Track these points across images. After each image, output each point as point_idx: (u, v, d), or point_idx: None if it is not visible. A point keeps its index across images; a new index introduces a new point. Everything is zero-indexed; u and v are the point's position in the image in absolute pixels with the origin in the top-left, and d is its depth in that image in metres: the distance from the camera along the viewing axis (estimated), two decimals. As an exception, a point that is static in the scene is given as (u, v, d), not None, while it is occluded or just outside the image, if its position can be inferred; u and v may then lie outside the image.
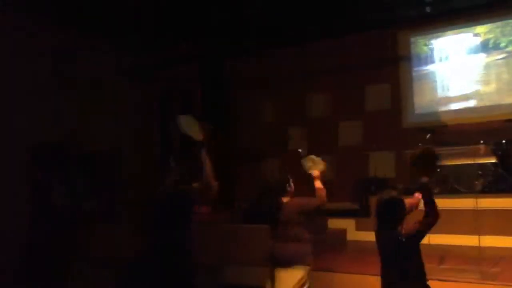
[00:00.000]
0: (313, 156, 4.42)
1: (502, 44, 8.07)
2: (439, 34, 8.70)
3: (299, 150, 4.68)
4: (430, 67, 8.69)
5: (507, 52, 8.02)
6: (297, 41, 9.00)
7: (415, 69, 8.77)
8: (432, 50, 8.74)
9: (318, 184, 4.21)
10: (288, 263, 4.05)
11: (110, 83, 6.71)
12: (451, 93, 8.47)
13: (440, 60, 8.64)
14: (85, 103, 6.51)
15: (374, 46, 8.56)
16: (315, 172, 4.25)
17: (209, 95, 9.41)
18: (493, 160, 6.95)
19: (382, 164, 8.46)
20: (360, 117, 9.02)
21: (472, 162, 6.95)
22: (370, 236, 4.89)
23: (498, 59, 8.10)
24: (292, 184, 4.34)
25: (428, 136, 7.46)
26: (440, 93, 8.58)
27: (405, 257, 3.27)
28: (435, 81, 8.62)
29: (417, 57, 8.81)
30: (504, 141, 7.13)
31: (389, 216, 3.35)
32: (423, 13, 8.33)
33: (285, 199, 4.27)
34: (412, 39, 8.88)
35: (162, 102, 9.07)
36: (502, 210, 6.34)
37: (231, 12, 7.92)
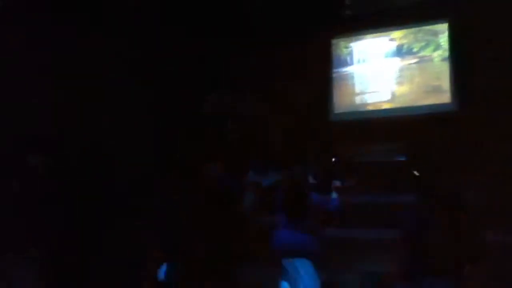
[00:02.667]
0: None
1: (415, 49, 8.56)
2: (359, 37, 9.08)
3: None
4: (349, 69, 9.07)
5: (419, 57, 8.53)
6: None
7: (335, 70, 9.13)
8: (351, 52, 9.13)
9: None
10: (298, 253, 4.04)
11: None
12: (369, 94, 8.88)
13: (359, 62, 9.04)
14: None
15: (297, 48, 8.73)
16: None
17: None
18: (404, 159, 7.41)
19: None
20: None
21: (386, 160, 7.39)
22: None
23: (412, 63, 8.59)
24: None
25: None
26: (358, 93, 8.98)
27: None
28: (354, 82, 9.00)
29: (337, 59, 9.16)
30: (415, 141, 7.59)
31: None
32: (344, 17, 8.73)
33: None
34: (333, 41, 9.22)
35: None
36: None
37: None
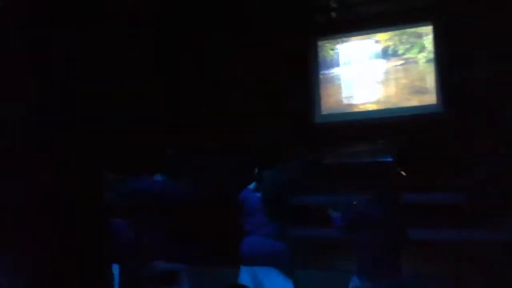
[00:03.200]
0: None
1: (400, 51, 8.66)
2: (344, 39, 9.16)
3: None
4: (335, 71, 9.12)
5: (404, 59, 8.63)
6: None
7: (322, 72, 9.17)
8: (337, 54, 9.18)
9: None
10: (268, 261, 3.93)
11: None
12: (355, 95, 8.93)
13: (345, 64, 9.10)
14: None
15: (284, 49, 8.75)
16: None
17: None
18: (390, 159, 7.51)
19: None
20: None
21: (372, 160, 7.49)
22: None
23: (397, 65, 8.68)
24: None
25: None
26: (345, 95, 9.04)
27: None
28: (340, 84, 9.06)
29: (324, 60, 9.22)
30: (400, 141, 7.69)
31: None
32: (329, 19, 8.82)
33: None
34: (319, 43, 9.28)
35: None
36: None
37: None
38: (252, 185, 4.34)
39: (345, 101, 9.01)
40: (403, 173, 7.53)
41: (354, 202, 3.67)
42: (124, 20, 6.35)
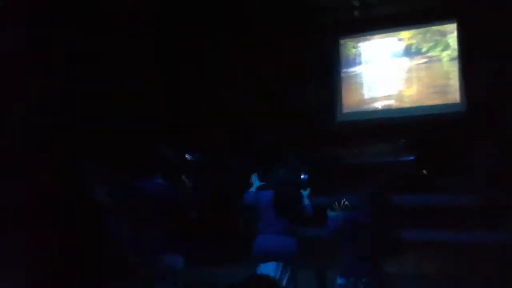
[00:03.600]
0: None
1: (423, 50, 8.54)
2: (367, 37, 9.06)
3: None
4: (357, 69, 9.05)
5: (427, 57, 8.50)
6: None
7: (344, 70, 9.11)
8: (360, 52, 9.10)
9: None
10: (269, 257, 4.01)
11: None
12: (377, 94, 8.85)
13: (367, 62, 9.01)
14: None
15: (305, 47, 8.69)
16: None
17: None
18: (411, 158, 7.41)
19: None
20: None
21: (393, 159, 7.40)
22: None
23: (420, 64, 8.57)
24: None
25: None
26: (367, 93, 8.96)
27: None
28: (362, 82, 8.99)
29: (346, 58, 9.14)
30: (422, 140, 7.57)
31: None
32: (351, 17, 8.73)
33: None
34: (342, 42, 9.20)
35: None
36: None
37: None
38: (253, 188, 4.38)
39: (367, 100, 8.93)
40: (424, 172, 7.42)
41: (346, 203, 3.62)
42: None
